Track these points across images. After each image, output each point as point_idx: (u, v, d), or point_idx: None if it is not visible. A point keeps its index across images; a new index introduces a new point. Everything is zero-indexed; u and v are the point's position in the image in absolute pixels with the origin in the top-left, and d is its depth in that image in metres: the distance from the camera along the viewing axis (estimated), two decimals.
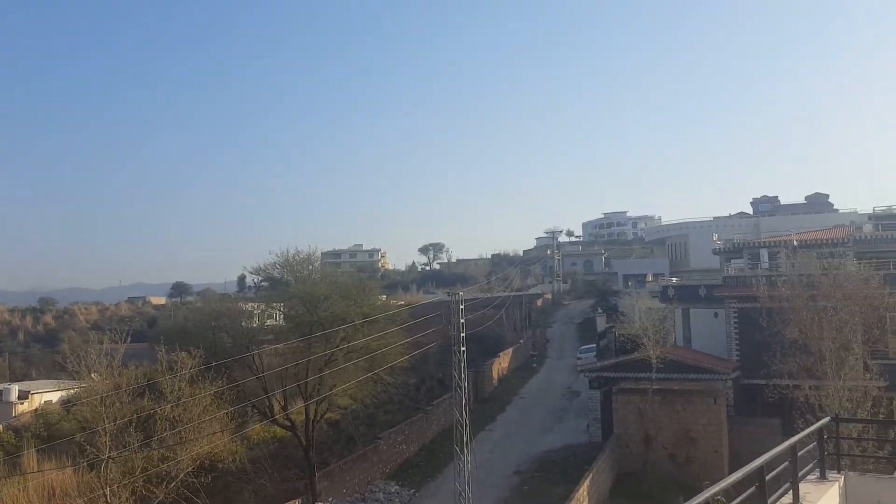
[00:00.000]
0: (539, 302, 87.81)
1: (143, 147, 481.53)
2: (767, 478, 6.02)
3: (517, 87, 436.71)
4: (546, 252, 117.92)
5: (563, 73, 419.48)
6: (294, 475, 31.40)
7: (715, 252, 51.24)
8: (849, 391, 25.72)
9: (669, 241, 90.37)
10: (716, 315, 40.72)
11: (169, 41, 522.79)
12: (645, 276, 72.83)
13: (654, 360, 32.53)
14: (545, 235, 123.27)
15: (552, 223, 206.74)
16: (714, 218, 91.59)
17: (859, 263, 32.17)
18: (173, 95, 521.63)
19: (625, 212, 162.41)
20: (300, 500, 27.93)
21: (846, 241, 40.59)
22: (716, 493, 4.86)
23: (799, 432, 25.05)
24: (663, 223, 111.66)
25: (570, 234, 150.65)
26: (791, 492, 7.35)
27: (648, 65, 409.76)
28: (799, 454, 7.40)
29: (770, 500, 6.00)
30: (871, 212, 49.95)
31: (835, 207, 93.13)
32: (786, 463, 7.19)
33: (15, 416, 43.97)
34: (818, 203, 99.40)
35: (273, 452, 33.53)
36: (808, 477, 7.87)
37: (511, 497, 30.45)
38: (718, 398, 32.24)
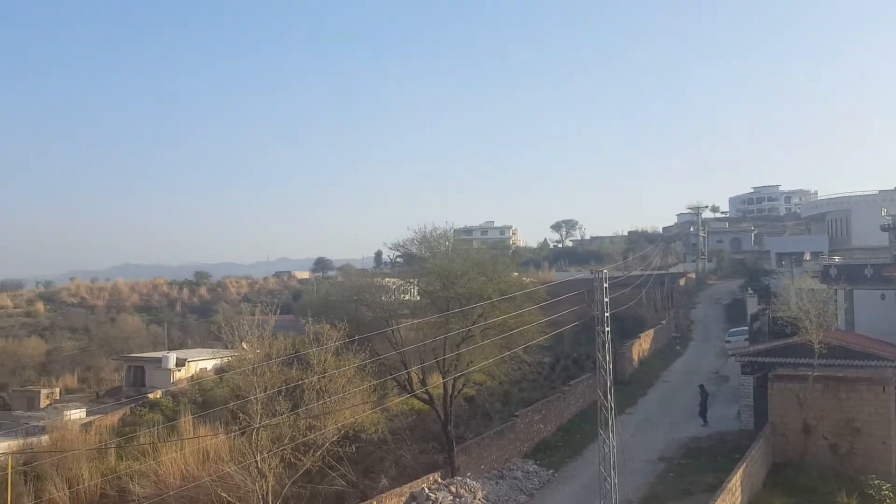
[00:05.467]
0: (682, 281, 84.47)
1: (295, 138, 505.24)
2: None
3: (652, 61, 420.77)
4: (689, 229, 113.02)
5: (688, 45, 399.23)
6: (432, 448, 31.63)
7: (883, 228, 48.21)
8: None
9: (829, 217, 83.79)
10: (883, 297, 38.33)
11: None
12: (802, 254, 68.71)
13: (816, 346, 30.14)
14: (688, 212, 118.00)
15: (695, 199, 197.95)
16: (879, 191, 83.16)
17: None
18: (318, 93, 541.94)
19: (777, 186, 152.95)
20: (440, 473, 28.05)
21: None
22: None
23: None
24: (820, 198, 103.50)
25: (715, 209, 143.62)
26: None
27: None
28: None
29: None
30: None
31: None
32: None
33: (173, 383, 47.34)
34: None
35: (411, 425, 33.98)
36: None
37: (656, 483, 29.17)
38: (887, 386, 29.57)
